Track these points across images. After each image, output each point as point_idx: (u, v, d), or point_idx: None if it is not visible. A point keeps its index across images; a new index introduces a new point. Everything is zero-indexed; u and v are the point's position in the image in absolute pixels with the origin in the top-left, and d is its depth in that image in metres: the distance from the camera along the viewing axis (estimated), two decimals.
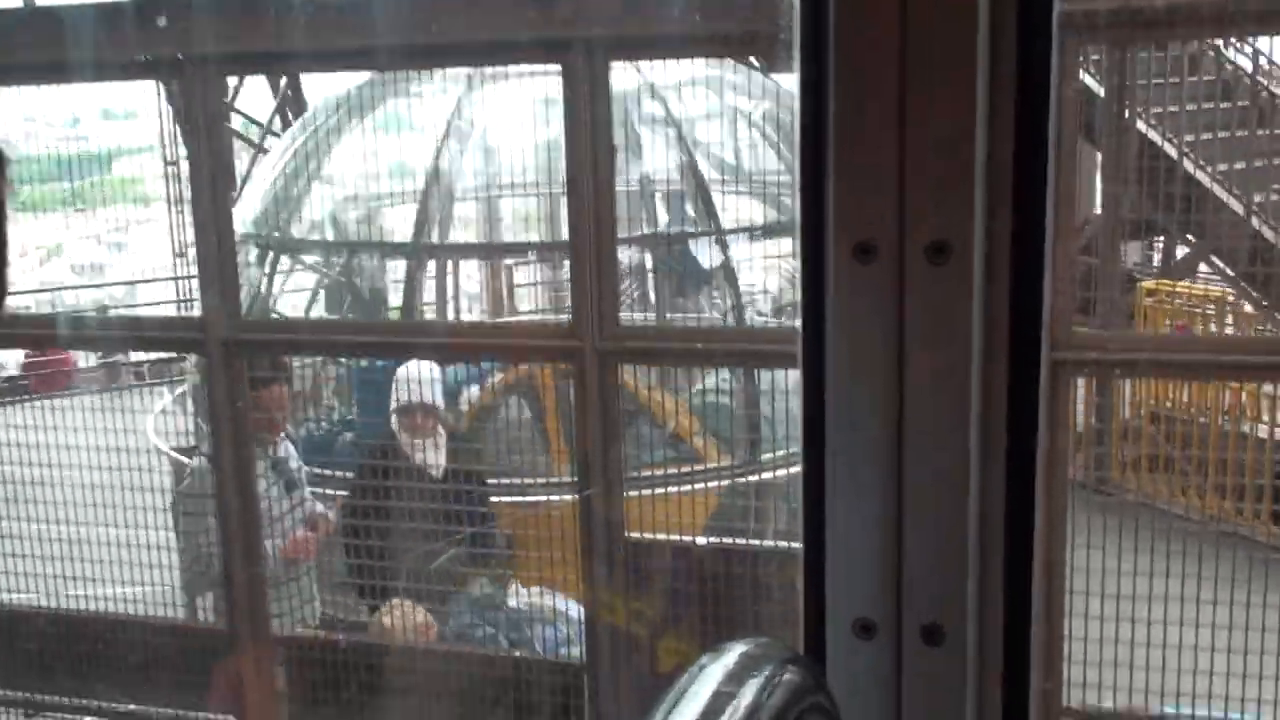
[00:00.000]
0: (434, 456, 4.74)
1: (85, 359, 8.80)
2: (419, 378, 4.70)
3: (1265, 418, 6.17)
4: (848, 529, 1.01)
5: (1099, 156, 6.09)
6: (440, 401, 4.87)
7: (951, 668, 1.00)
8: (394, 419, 4.81)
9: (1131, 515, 3.89)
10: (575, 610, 4.33)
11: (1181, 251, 8.33)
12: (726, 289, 6.14)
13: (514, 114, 5.53)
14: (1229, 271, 6.91)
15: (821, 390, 1.03)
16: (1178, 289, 8.18)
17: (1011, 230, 0.99)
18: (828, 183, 1.00)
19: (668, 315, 6.23)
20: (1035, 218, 0.99)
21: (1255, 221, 6.22)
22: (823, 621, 1.03)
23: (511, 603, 4.51)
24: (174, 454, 5.62)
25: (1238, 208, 6.34)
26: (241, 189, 6.71)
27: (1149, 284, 8.29)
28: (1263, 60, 6.73)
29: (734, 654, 0.78)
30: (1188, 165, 6.48)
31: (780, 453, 4.86)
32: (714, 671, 0.77)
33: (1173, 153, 6.42)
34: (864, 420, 1.00)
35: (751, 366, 4.68)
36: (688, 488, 4.78)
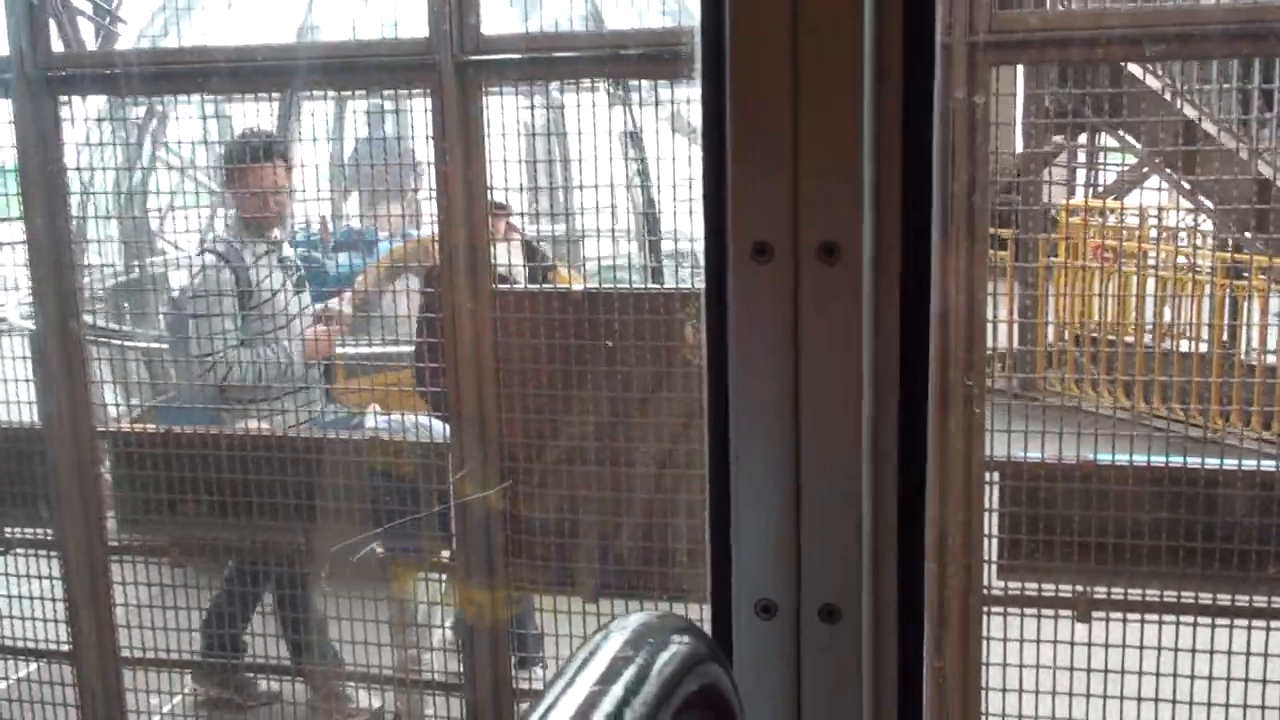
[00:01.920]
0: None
1: None
2: None
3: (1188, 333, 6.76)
4: (749, 516, 1.22)
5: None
6: None
7: (848, 645, 1.21)
8: None
9: (1055, 416, 4.26)
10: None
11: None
12: None
13: None
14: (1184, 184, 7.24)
15: (724, 383, 1.24)
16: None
17: (900, 229, 1.21)
18: (728, 185, 1.21)
19: None
20: (921, 217, 1.21)
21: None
22: (728, 603, 1.24)
23: None
24: None
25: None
26: None
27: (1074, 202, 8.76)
28: None
29: (635, 623, 0.99)
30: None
31: None
32: (615, 639, 0.97)
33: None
34: (763, 413, 1.21)
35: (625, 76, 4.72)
36: None
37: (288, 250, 5.02)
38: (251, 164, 4.83)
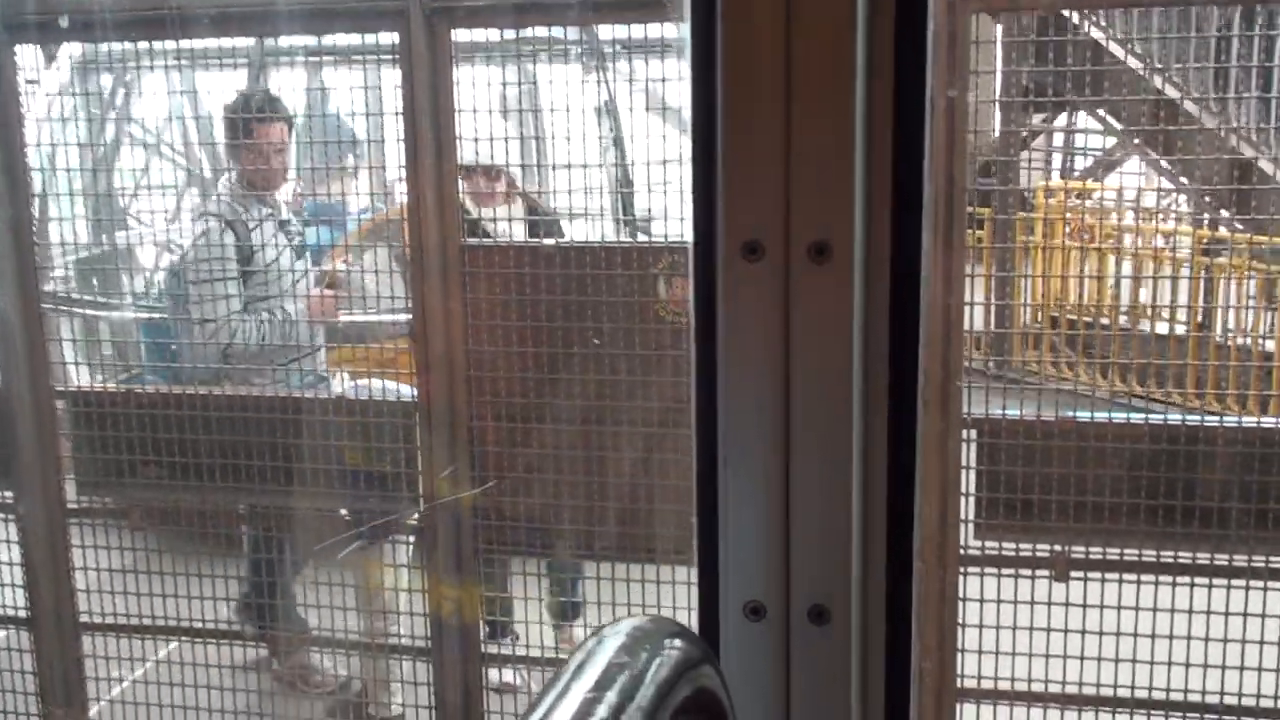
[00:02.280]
0: None
1: None
2: None
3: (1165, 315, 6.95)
4: (739, 518, 1.25)
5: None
6: None
7: (837, 647, 1.25)
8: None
9: (1033, 395, 4.33)
10: None
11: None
12: None
13: None
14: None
15: (714, 384, 1.26)
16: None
17: (891, 229, 1.23)
18: (718, 183, 1.22)
19: None
20: (912, 218, 1.23)
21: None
22: (716, 604, 1.27)
23: None
24: None
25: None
26: None
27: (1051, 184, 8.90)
28: None
29: (628, 627, 1.01)
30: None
31: None
32: (608, 645, 1.00)
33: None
34: (753, 414, 1.23)
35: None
36: None
37: (289, 214, 4.99)
38: (257, 121, 4.82)
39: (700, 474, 1.28)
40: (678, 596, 4.21)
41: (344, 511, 4.65)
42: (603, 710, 0.90)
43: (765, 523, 1.24)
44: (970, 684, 4.20)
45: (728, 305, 1.23)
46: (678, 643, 1.01)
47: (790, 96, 1.19)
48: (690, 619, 1.27)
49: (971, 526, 4.21)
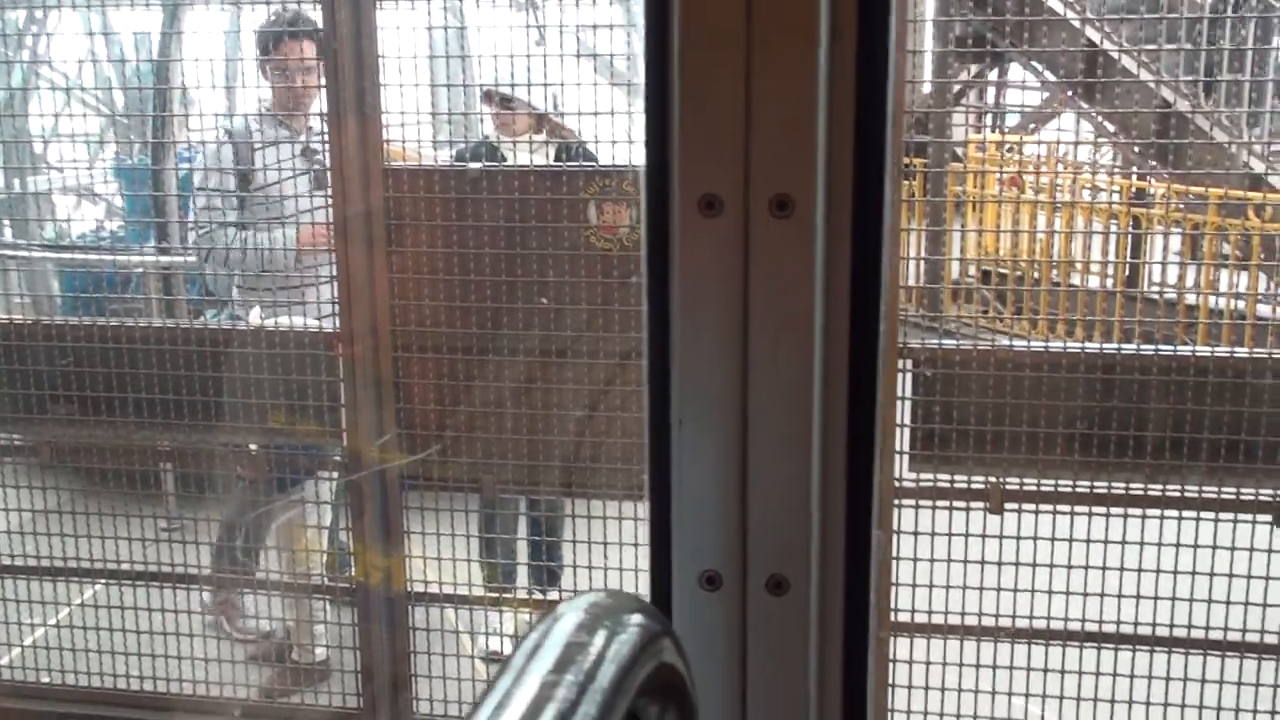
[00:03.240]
0: None
1: None
2: None
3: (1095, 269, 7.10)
4: (694, 485, 1.22)
5: None
6: None
7: (795, 617, 1.22)
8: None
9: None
10: None
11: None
12: None
13: None
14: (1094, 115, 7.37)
15: (668, 341, 1.22)
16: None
17: (852, 184, 1.19)
18: (673, 136, 1.18)
19: None
20: (875, 172, 1.19)
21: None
22: (669, 574, 1.24)
23: None
24: None
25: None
26: None
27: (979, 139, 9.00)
28: None
29: (585, 604, 0.98)
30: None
31: None
32: (567, 622, 0.97)
33: None
34: (708, 376, 1.20)
35: None
36: None
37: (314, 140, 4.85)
38: (280, 38, 4.72)
39: (652, 437, 1.24)
40: (624, 559, 4.21)
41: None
42: (563, 692, 0.87)
43: (722, 488, 1.21)
44: (904, 618, 4.24)
45: (683, 260, 1.19)
46: (637, 618, 0.98)
47: (751, 46, 1.14)
48: (636, 585, 1.23)
49: (905, 458, 4.24)
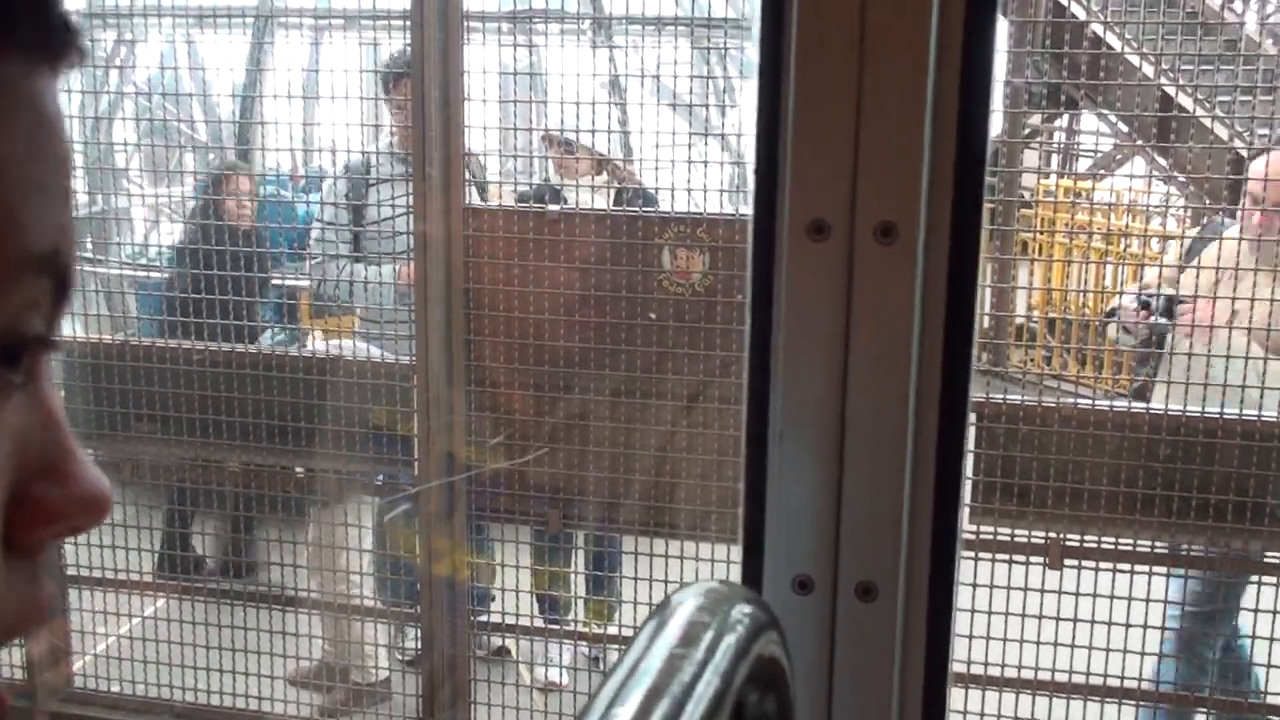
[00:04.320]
0: None
1: None
2: None
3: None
4: (790, 494, 1.28)
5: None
6: None
7: (883, 623, 1.28)
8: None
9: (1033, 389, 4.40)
10: None
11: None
12: None
13: None
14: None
15: (767, 360, 1.29)
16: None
17: (952, 212, 1.26)
18: (784, 163, 1.25)
19: None
20: (973, 203, 1.26)
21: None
22: (761, 577, 1.30)
23: None
24: None
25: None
26: None
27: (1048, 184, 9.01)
28: None
29: (703, 590, 1.05)
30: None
31: None
32: (688, 604, 1.04)
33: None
34: (808, 391, 1.27)
35: None
36: None
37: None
38: (398, 77, 4.91)
39: (750, 448, 1.31)
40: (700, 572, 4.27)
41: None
42: (689, 666, 0.93)
43: (817, 498, 1.28)
44: (959, 669, 4.26)
45: (789, 283, 1.26)
46: (748, 608, 1.05)
47: (862, 79, 1.22)
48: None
49: (966, 510, 4.27)
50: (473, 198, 4.45)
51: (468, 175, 4.43)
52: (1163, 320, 4.41)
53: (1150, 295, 4.43)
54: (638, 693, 0.92)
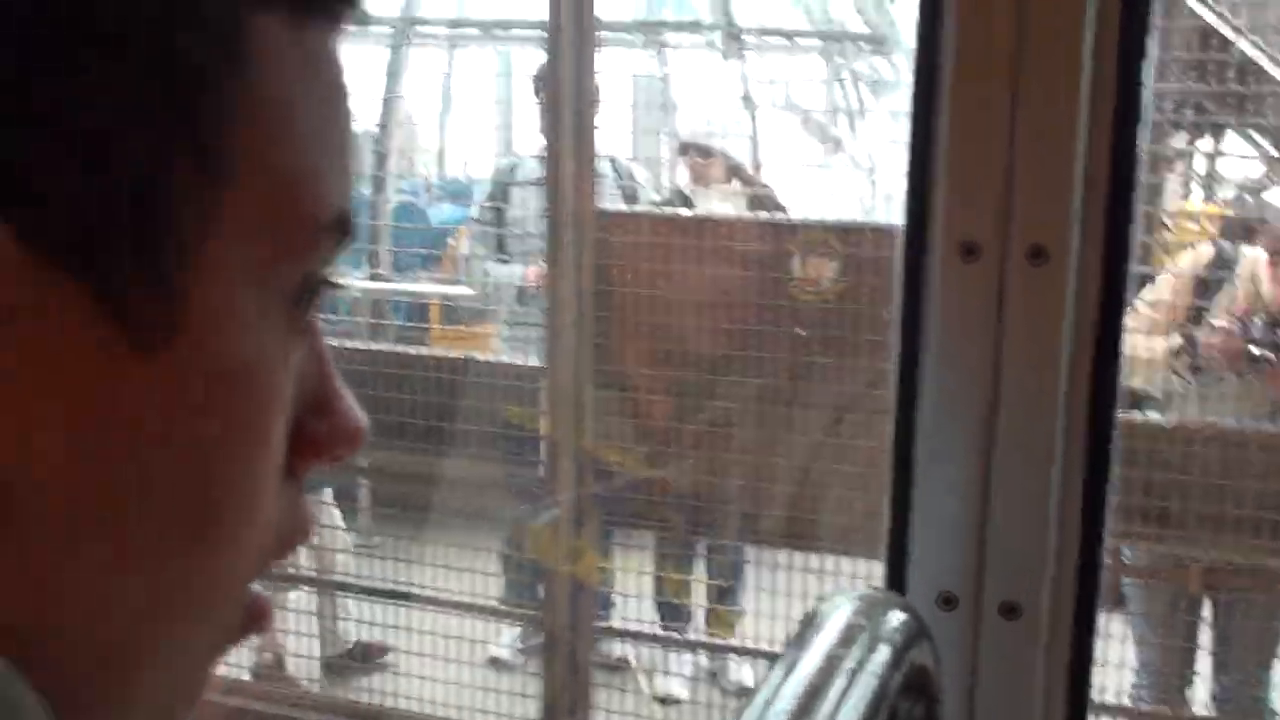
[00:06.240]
0: None
1: None
2: None
3: None
4: (936, 509, 1.32)
5: None
6: None
7: (1026, 642, 1.31)
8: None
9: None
10: None
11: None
12: None
13: None
14: None
15: (915, 379, 1.33)
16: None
17: (1103, 235, 1.29)
18: (937, 182, 1.29)
19: None
20: (1124, 226, 1.29)
21: None
22: (904, 593, 1.34)
23: None
24: None
25: None
26: None
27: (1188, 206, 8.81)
28: None
29: (858, 595, 1.10)
30: None
31: None
32: (845, 608, 1.09)
33: None
34: (957, 410, 1.30)
35: None
36: None
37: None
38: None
39: (897, 465, 1.35)
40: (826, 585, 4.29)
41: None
42: (848, 664, 0.98)
43: (963, 517, 1.31)
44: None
45: (940, 303, 1.29)
46: (903, 616, 1.09)
47: (1016, 98, 1.25)
48: None
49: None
50: (617, 202, 4.53)
51: (615, 176, 4.51)
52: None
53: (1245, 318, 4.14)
54: (797, 692, 0.97)
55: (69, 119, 0.43)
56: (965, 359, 1.29)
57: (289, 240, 0.49)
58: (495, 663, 5.18)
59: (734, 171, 5.30)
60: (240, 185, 0.47)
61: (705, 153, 5.19)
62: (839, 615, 1.04)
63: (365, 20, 0.53)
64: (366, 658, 5.15)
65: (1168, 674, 4.22)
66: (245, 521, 0.50)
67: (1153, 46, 1.29)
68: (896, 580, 1.35)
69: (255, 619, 0.54)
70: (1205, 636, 4.20)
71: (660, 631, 4.92)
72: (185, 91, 0.45)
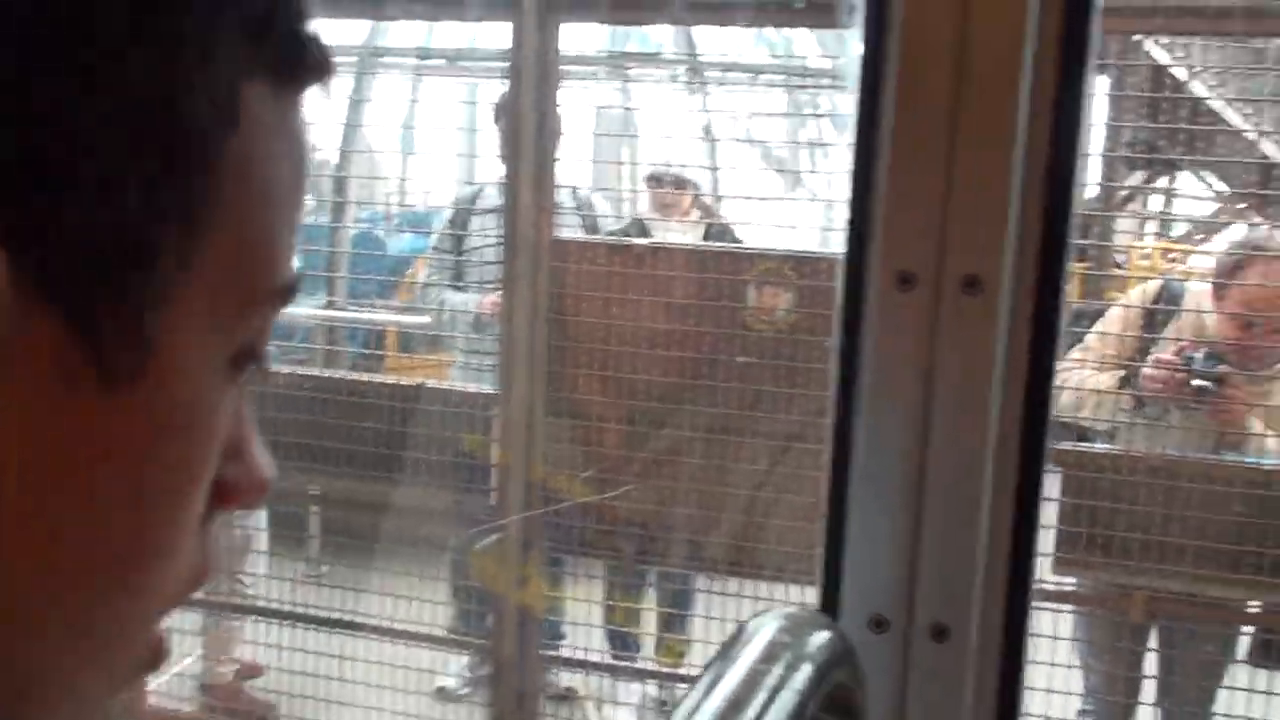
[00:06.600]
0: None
1: None
2: None
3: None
4: (869, 532, 1.35)
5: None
6: None
7: (956, 664, 1.34)
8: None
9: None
10: None
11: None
12: None
13: None
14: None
15: (851, 405, 1.36)
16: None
17: (1035, 269, 1.33)
18: (875, 213, 1.32)
19: None
20: (1057, 259, 1.32)
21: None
22: (837, 615, 1.37)
23: None
24: None
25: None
26: None
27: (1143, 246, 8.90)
28: None
29: (783, 614, 1.12)
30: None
31: None
32: (769, 625, 1.11)
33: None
34: (891, 435, 1.33)
35: None
36: None
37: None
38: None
39: (832, 490, 1.38)
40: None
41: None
42: (770, 680, 1.01)
43: (894, 540, 1.34)
44: None
45: (877, 332, 1.33)
46: (827, 635, 1.11)
47: (956, 131, 1.29)
48: None
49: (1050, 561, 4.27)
50: (577, 232, 4.56)
51: (575, 206, 4.55)
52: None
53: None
54: (718, 706, 1.00)
55: (71, 160, 0.44)
56: (900, 386, 1.32)
57: (249, 297, 0.51)
58: (442, 692, 5.17)
59: (698, 203, 5.35)
60: (217, 239, 0.49)
61: (679, 183, 5.23)
62: (764, 633, 1.06)
63: (330, 76, 0.55)
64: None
65: (1112, 701, 4.26)
66: (167, 569, 0.52)
67: (1090, 83, 1.33)
68: (829, 602, 1.38)
69: (156, 656, 0.56)
70: (1150, 664, 4.24)
71: (609, 660, 4.92)
72: (182, 146, 0.47)
